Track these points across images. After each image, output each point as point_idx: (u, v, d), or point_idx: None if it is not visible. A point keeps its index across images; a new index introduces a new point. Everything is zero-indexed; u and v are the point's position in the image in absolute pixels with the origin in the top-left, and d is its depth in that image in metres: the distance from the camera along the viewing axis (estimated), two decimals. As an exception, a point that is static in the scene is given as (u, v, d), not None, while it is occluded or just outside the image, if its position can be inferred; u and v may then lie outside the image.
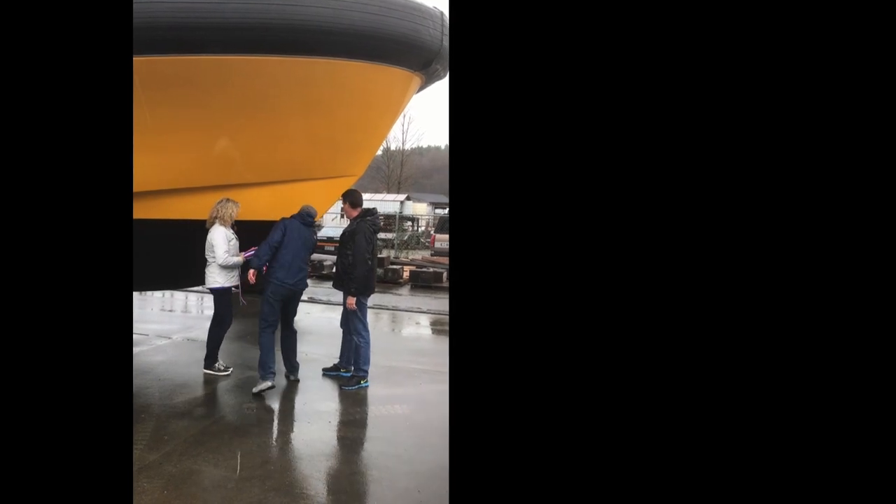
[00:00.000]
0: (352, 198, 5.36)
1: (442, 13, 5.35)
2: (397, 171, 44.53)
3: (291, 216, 5.24)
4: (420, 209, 36.70)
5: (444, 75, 5.93)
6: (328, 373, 5.47)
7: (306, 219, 5.25)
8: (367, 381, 5.20)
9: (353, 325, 5.27)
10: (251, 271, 5.02)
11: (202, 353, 6.09)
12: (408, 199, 37.36)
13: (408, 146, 46.25)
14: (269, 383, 4.92)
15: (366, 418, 4.58)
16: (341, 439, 4.14)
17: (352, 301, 5.13)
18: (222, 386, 5.11)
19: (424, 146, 61.94)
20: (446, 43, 5.38)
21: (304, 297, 10.29)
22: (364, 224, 5.17)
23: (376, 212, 5.45)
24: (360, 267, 5.04)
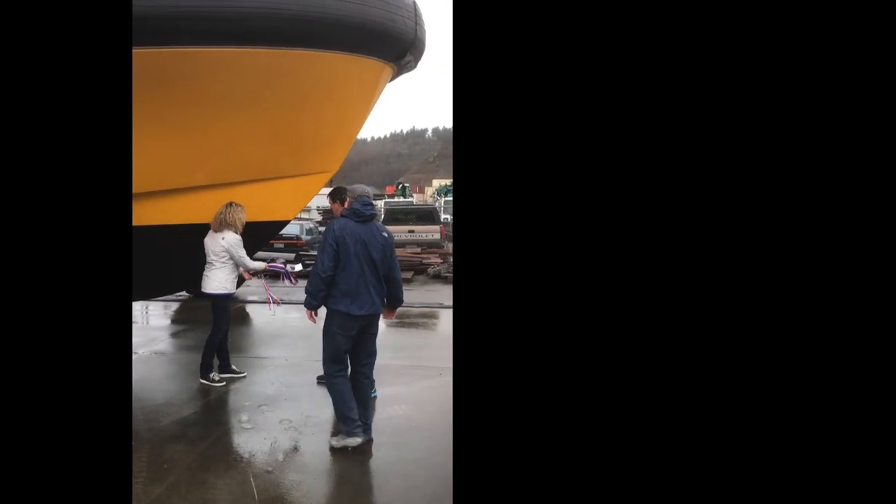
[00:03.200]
0: (342, 196, 5.02)
1: (415, 3, 5.20)
2: (327, 164, 43.70)
3: (341, 214, 3.95)
4: (353, 201, 36.27)
5: (415, 66, 5.79)
6: (323, 380, 5.22)
7: (362, 213, 3.80)
8: (374, 390, 4.98)
9: None
10: (308, 312, 3.90)
11: (174, 367, 5.78)
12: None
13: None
14: (357, 439, 3.81)
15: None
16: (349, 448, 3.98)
17: None
18: (209, 402, 4.83)
19: (352, 137, 61.09)
20: (420, 33, 5.25)
21: (258, 297, 10.00)
22: None
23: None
24: None
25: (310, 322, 3.99)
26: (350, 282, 3.73)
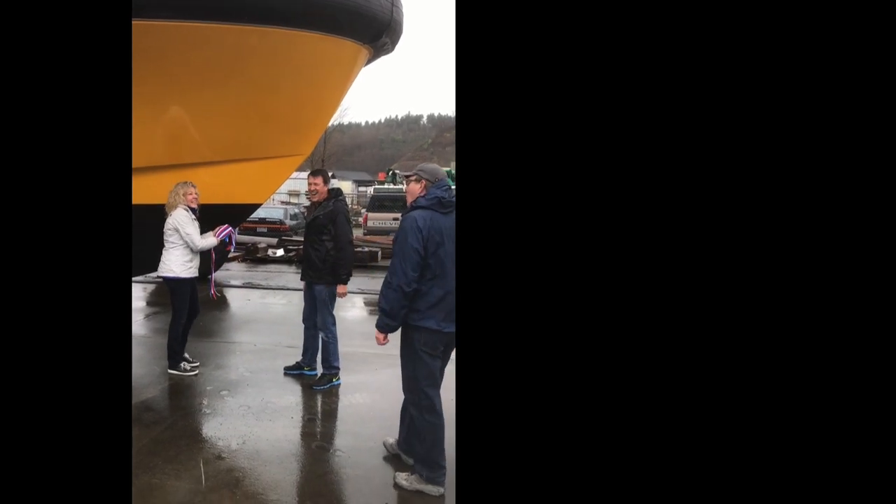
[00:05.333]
0: (326, 175, 4.87)
1: (391, -17, 5.10)
2: (320, 149, 43.50)
3: (415, 204, 3.03)
4: (345, 187, 36.28)
5: (392, 49, 5.69)
6: (290, 371, 5.09)
7: (449, 201, 2.98)
8: (339, 379, 4.88)
9: (322, 320, 4.85)
10: (381, 335, 3.24)
11: (141, 350, 5.70)
12: (333, 177, 36.81)
13: (329, 123, 45.19)
14: (440, 489, 3.08)
15: (328, 411, 4.38)
16: (307, 436, 3.93)
17: (343, 289, 4.72)
18: (170, 386, 4.76)
19: (346, 123, 60.84)
20: (396, 15, 5.14)
21: (238, 282, 9.91)
22: (340, 205, 4.77)
23: (342, 192, 5.06)
24: (347, 250, 4.68)
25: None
26: (442, 292, 2.93)
